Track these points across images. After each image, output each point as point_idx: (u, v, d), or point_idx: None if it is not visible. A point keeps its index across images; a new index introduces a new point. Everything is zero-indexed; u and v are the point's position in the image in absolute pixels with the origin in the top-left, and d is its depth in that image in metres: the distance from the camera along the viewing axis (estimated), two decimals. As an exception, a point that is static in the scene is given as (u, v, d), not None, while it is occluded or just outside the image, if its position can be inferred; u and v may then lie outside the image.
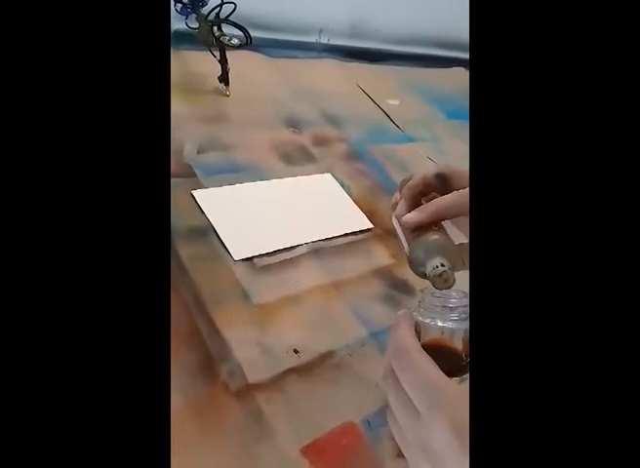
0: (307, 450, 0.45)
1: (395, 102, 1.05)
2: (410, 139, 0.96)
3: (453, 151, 0.96)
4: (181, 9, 0.76)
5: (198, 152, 0.69)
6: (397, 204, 0.40)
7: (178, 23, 0.81)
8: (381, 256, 0.68)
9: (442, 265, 0.33)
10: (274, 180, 0.71)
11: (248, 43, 0.76)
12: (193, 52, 0.84)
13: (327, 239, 0.65)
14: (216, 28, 0.76)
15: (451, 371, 0.30)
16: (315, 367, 0.52)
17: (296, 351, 0.52)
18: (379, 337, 0.57)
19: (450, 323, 0.32)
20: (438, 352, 0.31)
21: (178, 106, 0.75)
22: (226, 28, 0.78)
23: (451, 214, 0.37)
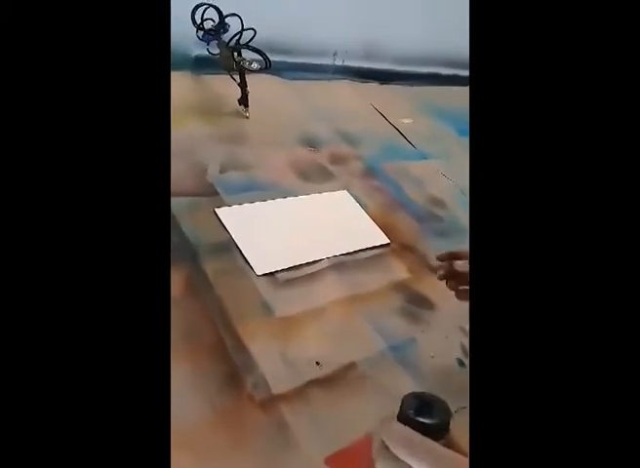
0: (331, 460, 0.46)
1: (409, 121, 1.07)
2: (423, 157, 0.98)
3: (466, 168, 0.98)
4: (203, 36, 0.80)
5: (220, 172, 0.72)
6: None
7: (200, 50, 0.85)
8: (399, 271, 0.69)
9: None
10: (293, 198, 0.73)
11: (267, 67, 0.79)
12: (214, 76, 0.88)
13: (346, 254, 0.67)
14: (236, 54, 0.79)
15: None
16: (337, 378, 0.53)
17: (318, 363, 0.53)
18: (397, 350, 0.58)
19: None
20: None
21: (200, 128, 0.78)
22: (246, 53, 0.81)
23: None
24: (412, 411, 0.33)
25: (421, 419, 0.33)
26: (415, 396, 0.34)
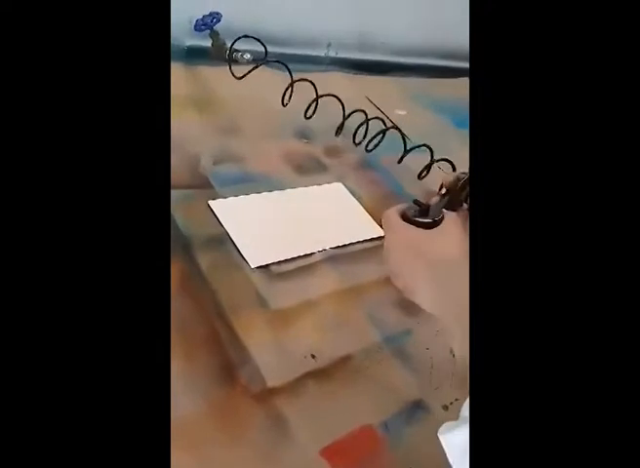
0: (327, 452, 0.46)
1: (403, 113, 1.06)
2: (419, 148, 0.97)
3: (463, 159, 0.97)
4: (196, 26, 0.79)
5: (214, 164, 0.71)
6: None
7: (192, 40, 0.83)
8: (394, 263, 0.69)
9: None
10: (287, 190, 0.72)
11: (264, 58, 0.78)
12: (208, 67, 0.87)
13: (341, 246, 0.67)
14: (229, 44, 0.78)
15: None
16: (332, 371, 0.53)
17: (313, 356, 0.53)
18: (393, 342, 0.58)
19: None
20: None
21: (193, 120, 0.78)
22: (238, 44, 0.80)
23: None
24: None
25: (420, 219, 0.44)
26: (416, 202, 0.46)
